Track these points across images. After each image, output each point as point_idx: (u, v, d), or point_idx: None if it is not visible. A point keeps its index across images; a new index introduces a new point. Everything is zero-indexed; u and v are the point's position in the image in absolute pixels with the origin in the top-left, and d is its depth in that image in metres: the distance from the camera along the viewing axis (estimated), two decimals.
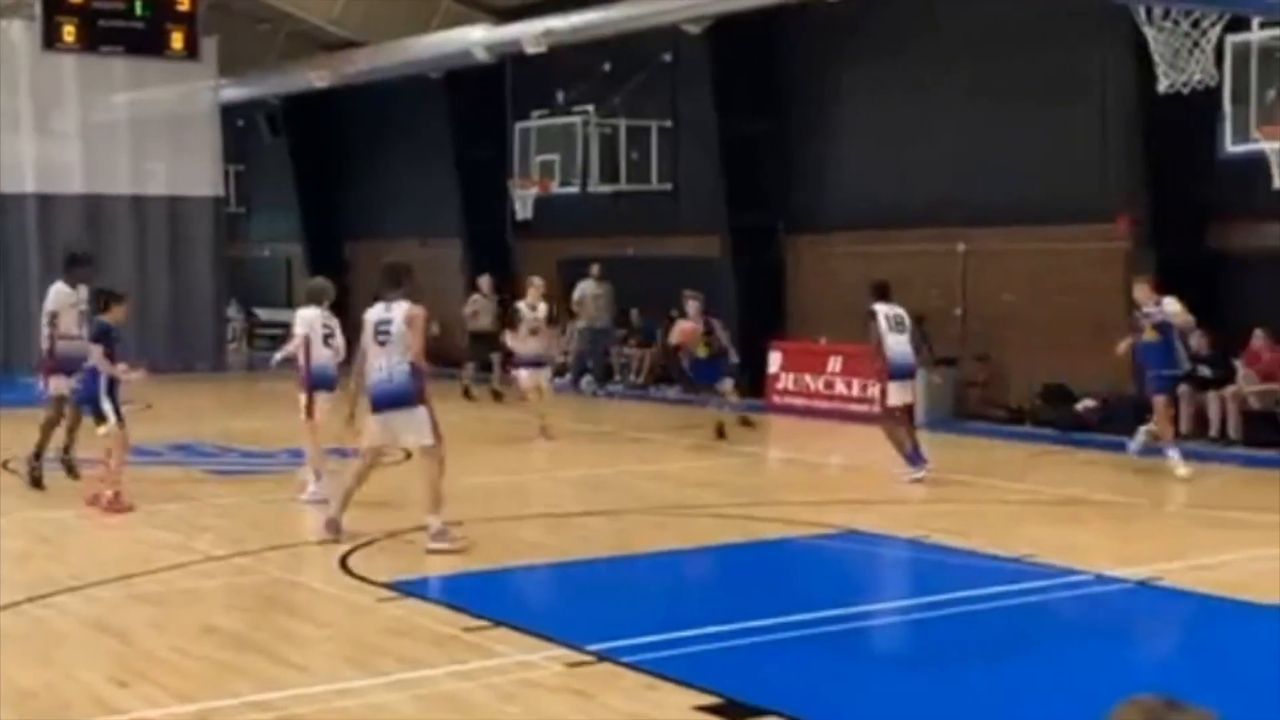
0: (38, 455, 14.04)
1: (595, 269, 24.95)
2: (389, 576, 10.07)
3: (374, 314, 11.29)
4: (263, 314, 36.16)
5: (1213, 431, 17.35)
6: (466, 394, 23.25)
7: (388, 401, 10.98)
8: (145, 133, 28.39)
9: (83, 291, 14.59)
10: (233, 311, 33.45)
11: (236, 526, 12.25)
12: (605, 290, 24.98)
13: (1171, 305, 15.06)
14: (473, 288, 25.16)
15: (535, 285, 19.70)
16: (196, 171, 29.06)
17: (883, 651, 8.37)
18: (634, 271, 25.08)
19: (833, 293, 21.45)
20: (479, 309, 24.10)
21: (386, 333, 11.11)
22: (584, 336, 24.95)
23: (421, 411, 10.99)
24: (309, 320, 13.80)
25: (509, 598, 10.06)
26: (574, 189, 24.68)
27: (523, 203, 25.43)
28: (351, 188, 32.76)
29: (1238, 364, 17.43)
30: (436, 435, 11.07)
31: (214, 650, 8.28)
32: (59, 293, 14.73)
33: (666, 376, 24.47)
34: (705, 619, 8.84)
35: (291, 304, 35.18)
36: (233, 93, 29.95)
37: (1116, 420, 18.53)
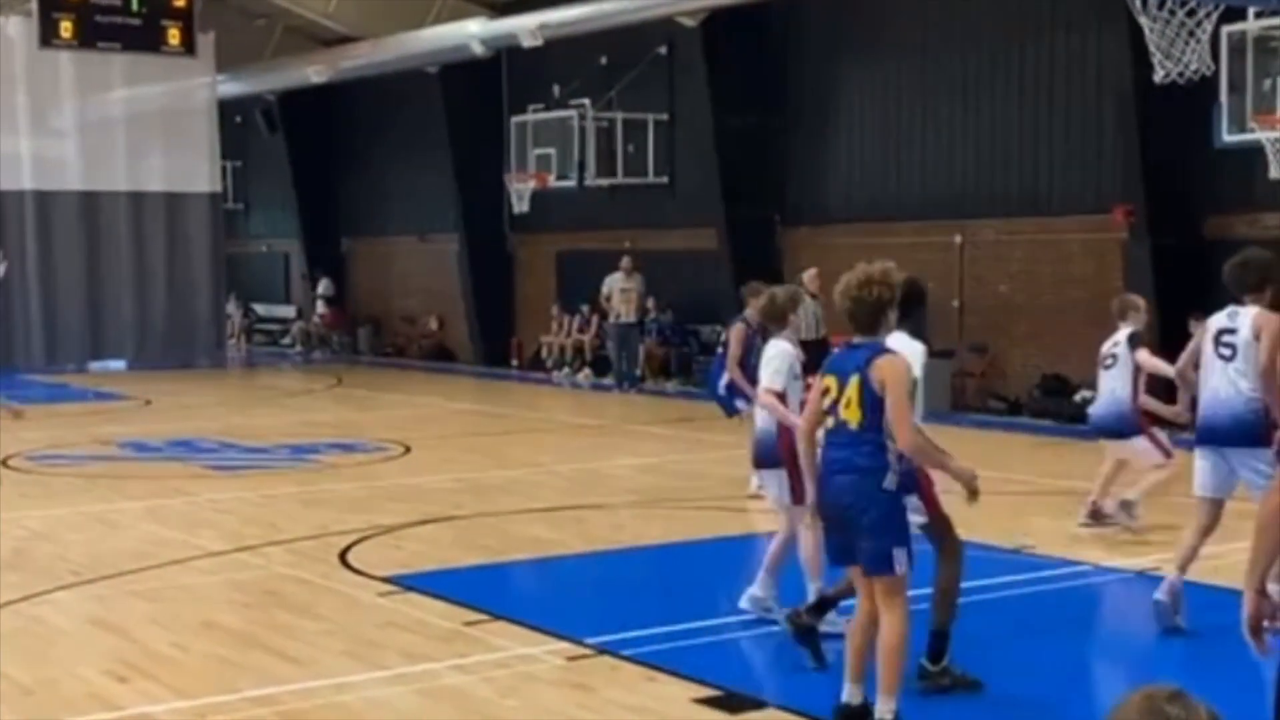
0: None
1: (625, 261, 24.11)
2: (389, 571, 10.09)
3: (1216, 321, 8.56)
4: (261, 310, 36.24)
5: None
6: None
7: (1222, 436, 8.40)
8: (142, 129, 28.39)
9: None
10: (231, 308, 33.49)
11: (236, 522, 12.27)
12: (635, 284, 24.05)
13: None
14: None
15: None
16: (194, 168, 29.06)
17: None
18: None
19: (830, 285, 21.45)
20: None
21: (1231, 345, 8.39)
22: (612, 332, 24.41)
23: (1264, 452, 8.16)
24: None
25: (509, 591, 10.08)
26: (571, 183, 24.68)
27: (520, 197, 25.43)
28: (349, 183, 32.77)
29: None
30: None
31: (214, 646, 8.30)
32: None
33: (665, 370, 24.50)
34: (704, 612, 8.86)
35: (290, 299, 35.39)
36: (230, 89, 29.95)
37: None
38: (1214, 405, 8.41)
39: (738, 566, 10.72)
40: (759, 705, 7.08)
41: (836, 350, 7.01)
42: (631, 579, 10.34)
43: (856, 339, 6.67)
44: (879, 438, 6.43)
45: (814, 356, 22.75)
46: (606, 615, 8.82)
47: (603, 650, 7.98)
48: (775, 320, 8.77)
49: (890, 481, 6.46)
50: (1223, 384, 8.37)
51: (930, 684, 7.23)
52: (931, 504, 7.38)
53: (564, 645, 8.10)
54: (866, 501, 6.44)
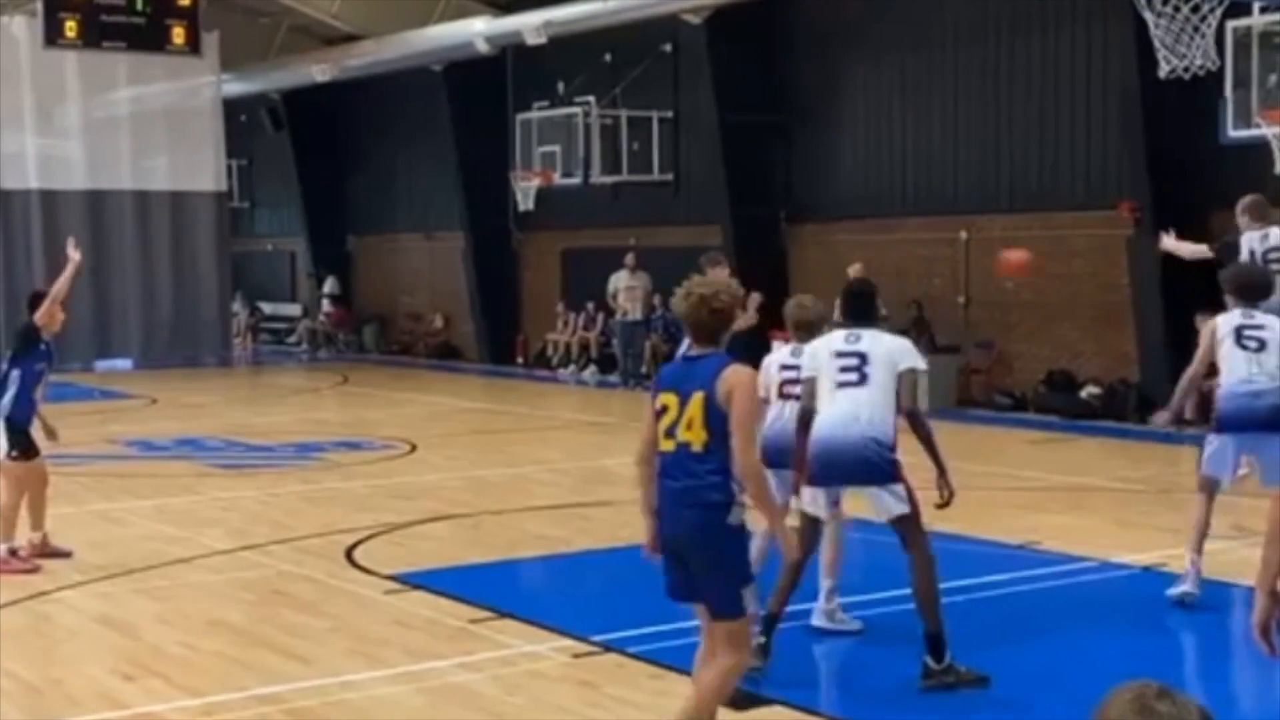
0: None
1: (630, 259, 24.17)
2: (395, 569, 10.10)
3: (1231, 319, 8.86)
4: (267, 308, 36.27)
5: None
6: None
7: (1251, 422, 8.65)
8: (147, 128, 28.44)
9: None
10: (237, 306, 33.52)
11: (242, 520, 12.29)
12: (641, 281, 24.10)
13: None
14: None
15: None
16: (199, 166, 29.10)
17: (886, 640, 8.37)
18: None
19: (835, 282, 21.38)
20: None
21: (1258, 339, 8.68)
22: (618, 330, 24.39)
23: None
24: None
25: (515, 589, 10.09)
26: (576, 180, 24.68)
27: (525, 194, 25.43)
28: (354, 181, 32.80)
29: None
30: None
31: (220, 644, 8.31)
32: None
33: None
34: None
35: (295, 298, 35.41)
36: (235, 87, 30.01)
37: (1120, 407, 18.57)
38: (1246, 395, 8.63)
39: None
40: (764, 702, 7.08)
41: (673, 363, 6.30)
42: (637, 576, 10.27)
43: (695, 350, 5.96)
44: (724, 463, 5.71)
45: None
46: (612, 613, 8.82)
47: (609, 648, 8.00)
48: (805, 329, 8.46)
49: (735, 516, 5.78)
50: (1254, 373, 8.62)
51: (936, 682, 7.23)
52: (913, 496, 7.40)
53: (570, 643, 8.12)
54: (709, 540, 5.80)
